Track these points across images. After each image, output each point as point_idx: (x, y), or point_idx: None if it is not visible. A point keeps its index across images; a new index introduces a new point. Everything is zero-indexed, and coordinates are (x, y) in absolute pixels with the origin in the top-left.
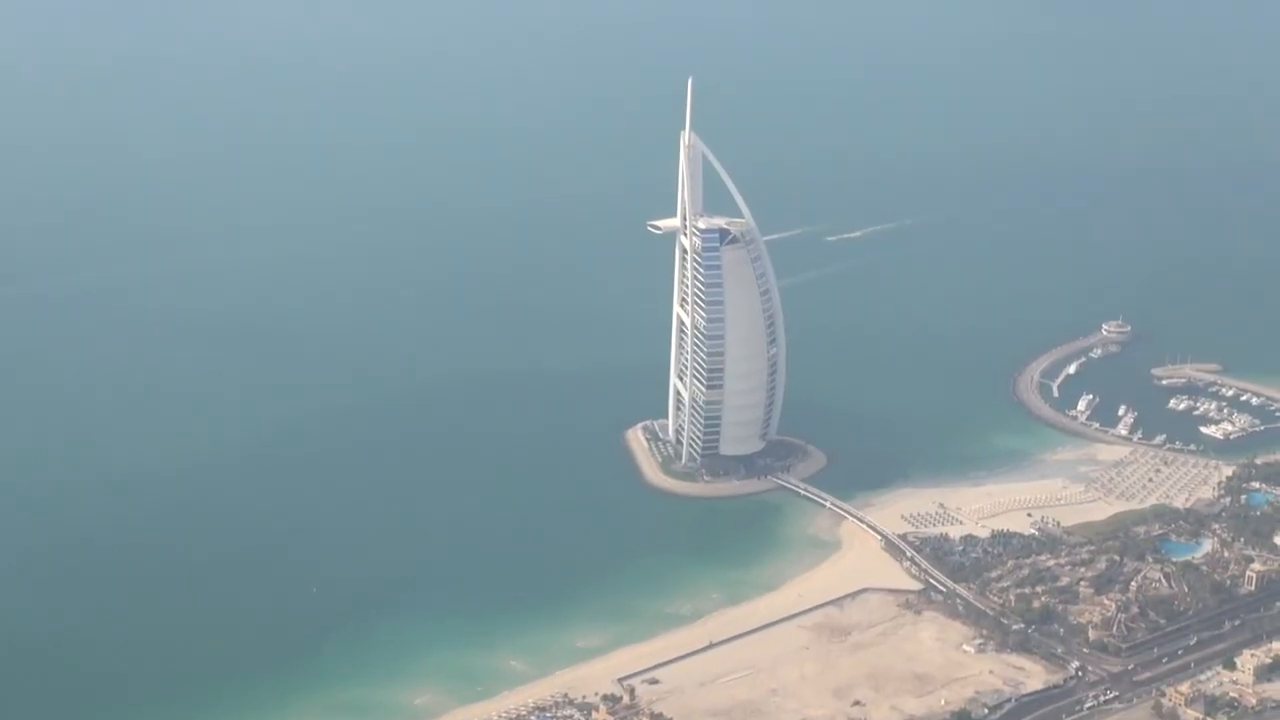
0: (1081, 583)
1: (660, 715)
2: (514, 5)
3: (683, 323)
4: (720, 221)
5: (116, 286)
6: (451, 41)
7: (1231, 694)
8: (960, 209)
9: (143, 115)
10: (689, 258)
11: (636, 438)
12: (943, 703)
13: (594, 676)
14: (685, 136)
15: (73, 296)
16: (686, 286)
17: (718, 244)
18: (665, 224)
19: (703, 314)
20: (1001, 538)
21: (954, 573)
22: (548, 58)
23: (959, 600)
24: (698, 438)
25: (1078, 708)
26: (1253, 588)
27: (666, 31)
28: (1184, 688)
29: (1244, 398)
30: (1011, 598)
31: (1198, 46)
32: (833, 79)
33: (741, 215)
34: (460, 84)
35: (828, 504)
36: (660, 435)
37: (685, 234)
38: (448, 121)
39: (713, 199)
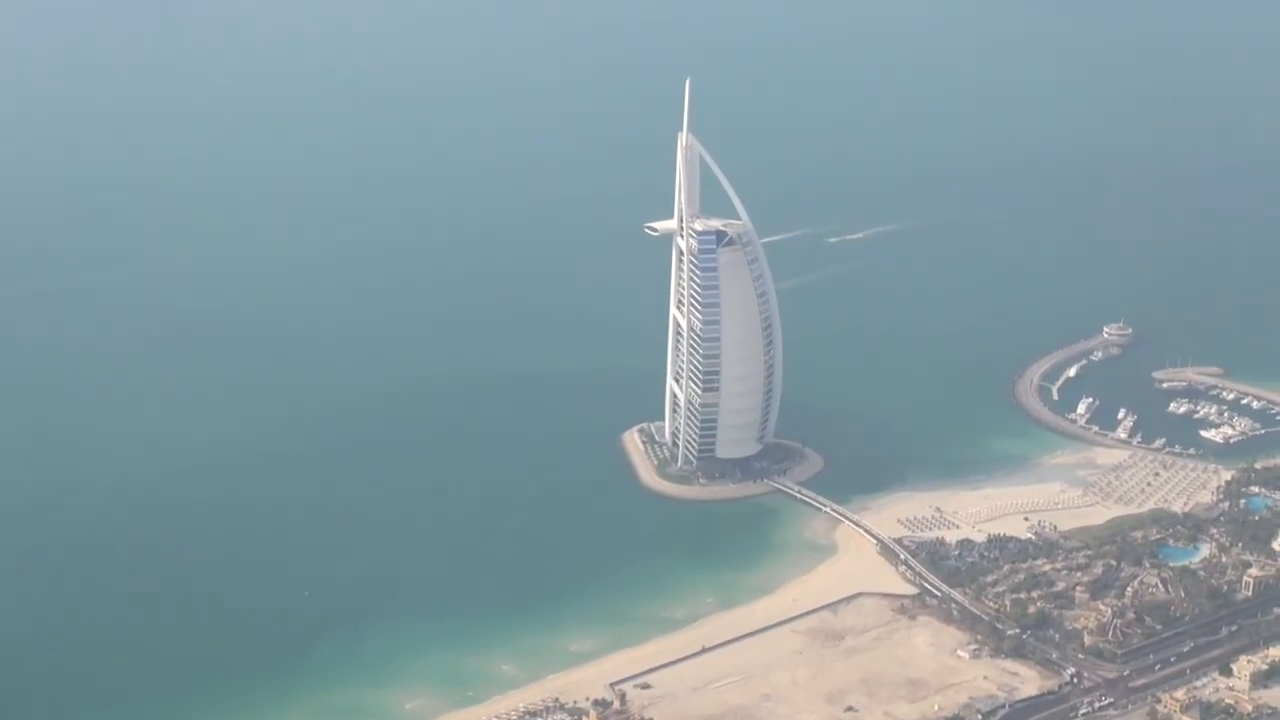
0: (1077, 588)
1: None
2: (514, 5)
3: (679, 325)
4: (717, 223)
5: (117, 286)
6: (452, 42)
7: (1227, 700)
8: (961, 211)
9: (143, 116)
10: (685, 260)
11: (632, 440)
12: (936, 708)
13: (586, 681)
14: (683, 138)
15: (73, 296)
16: (683, 289)
17: (714, 246)
18: (662, 226)
19: (699, 316)
20: (998, 542)
21: (949, 577)
22: (547, 58)
23: (954, 605)
24: (694, 440)
25: (1072, 714)
26: (1250, 593)
27: (666, 32)
28: (1180, 694)
29: (1245, 401)
30: (1007, 603)
31: (1198, 46)
32: (832, 79)
33: (739, 217)
34: (460, 85)
35: (826, 509)
36: (656, 438)
37: (682, 236)
38: (448, 122)
39: (710, 200)
